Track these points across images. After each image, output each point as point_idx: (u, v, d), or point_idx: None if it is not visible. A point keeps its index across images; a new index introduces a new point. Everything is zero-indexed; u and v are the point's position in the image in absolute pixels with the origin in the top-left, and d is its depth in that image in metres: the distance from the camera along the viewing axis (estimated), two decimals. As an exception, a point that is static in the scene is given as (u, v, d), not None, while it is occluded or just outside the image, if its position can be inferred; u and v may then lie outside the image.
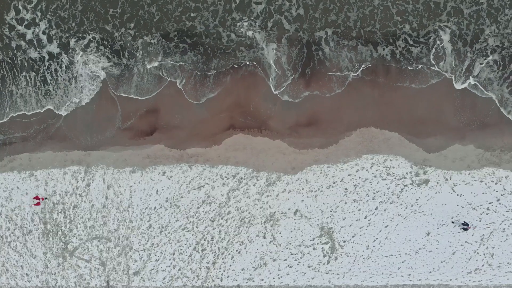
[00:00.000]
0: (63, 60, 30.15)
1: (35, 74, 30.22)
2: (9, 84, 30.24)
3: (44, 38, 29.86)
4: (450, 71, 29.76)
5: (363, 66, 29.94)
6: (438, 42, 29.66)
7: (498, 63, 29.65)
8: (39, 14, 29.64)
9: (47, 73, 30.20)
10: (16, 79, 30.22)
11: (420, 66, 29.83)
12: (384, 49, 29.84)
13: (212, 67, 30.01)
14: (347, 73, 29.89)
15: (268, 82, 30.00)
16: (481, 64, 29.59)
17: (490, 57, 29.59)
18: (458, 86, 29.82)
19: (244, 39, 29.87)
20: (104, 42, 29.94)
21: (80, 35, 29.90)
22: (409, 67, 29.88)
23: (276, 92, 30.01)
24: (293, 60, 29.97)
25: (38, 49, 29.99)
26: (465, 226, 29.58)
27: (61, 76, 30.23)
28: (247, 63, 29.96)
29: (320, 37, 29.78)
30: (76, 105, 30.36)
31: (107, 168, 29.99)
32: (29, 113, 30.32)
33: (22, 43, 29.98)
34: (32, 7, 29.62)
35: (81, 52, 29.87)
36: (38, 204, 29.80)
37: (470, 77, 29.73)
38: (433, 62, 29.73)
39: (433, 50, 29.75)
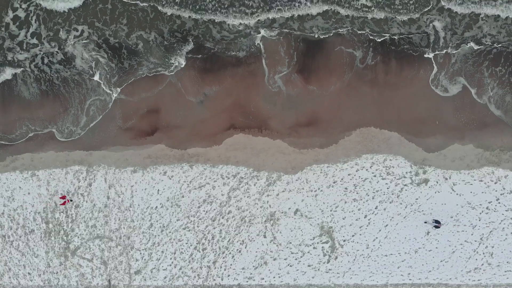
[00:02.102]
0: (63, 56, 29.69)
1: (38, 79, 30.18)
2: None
3: (34, 40, 29.51)
4: (435, 62, 29.75)
5: (371, 52, 29.70)
6: (430, 30, 29.57)
7: (486, 41, 29.54)
8: (32, 9, 29.28)
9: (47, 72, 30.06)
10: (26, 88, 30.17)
11: (418, 51, 29.78)
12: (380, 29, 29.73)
13: (210, 57, 29.89)
14: (354, 51, 29.59)
15: (264, 67, 29.96)
16: (467, 44, 29.47)
17: (478, 40, 29.49)
18: (437, 89, 29.90)
19: (238, 33, 29.84)
20: (97, 34, 29.53)
21: (69, 28, 29.45)
22: (410, 51, 29.72)
23: (269, 77, 29.87)
24: (287, 45, 29.83)
25: (26, 51, 29.54)
26: (437, 224, 29.66)
27: (67, 73, 29.87)
28: (243, 54, 29.90)
29: (311, 26, 29.73)
30: (101, 104, 30.02)
31: (108, 168, 30.14)
32: (42, 131, 30.50)
33: (16, 46, 29.71)
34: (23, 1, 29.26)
35: (73, 41, 29.34)
36: (64, 203, 29.92)
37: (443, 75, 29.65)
38: (425, 49, 29.75)
39: (425, 39, 29.72)
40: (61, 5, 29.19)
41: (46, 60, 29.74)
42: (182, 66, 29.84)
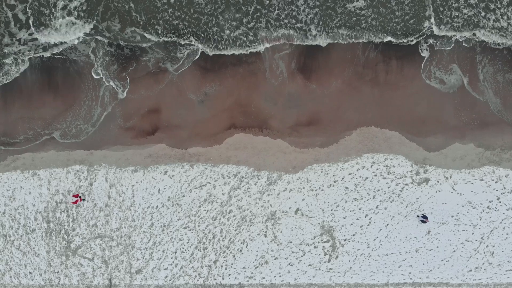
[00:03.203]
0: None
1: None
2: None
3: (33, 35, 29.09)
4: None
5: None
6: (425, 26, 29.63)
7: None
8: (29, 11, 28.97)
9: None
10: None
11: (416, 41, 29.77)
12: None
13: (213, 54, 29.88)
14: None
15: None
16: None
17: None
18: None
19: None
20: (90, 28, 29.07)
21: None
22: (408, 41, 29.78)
23: (270, 58, 29.71)
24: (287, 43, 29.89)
25: (25, 44, 28.88)
26: (424, 219, 29.67)
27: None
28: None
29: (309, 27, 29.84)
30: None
31: (109, 167, 30.17)
32: (51, 133, 30.23)
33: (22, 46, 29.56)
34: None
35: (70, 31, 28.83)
36: (75, 202, 29.93)
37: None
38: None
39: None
40: (56, 38, 28.98)
41: (48, 49, 29.14)
42: (197, 57, 29.51)
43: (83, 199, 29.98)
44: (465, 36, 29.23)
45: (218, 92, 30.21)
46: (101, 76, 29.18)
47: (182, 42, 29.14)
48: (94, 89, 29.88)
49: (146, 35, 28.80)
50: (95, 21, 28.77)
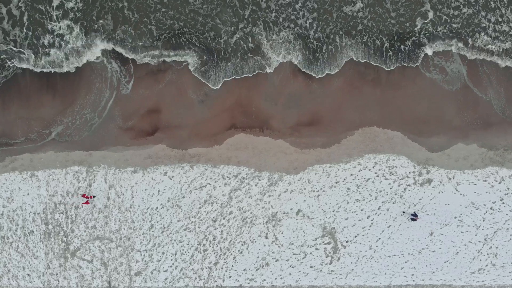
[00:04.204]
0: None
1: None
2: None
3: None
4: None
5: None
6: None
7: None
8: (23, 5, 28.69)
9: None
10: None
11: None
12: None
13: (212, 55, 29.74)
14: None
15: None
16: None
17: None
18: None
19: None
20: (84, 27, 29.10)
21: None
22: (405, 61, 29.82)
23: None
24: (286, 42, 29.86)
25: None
26: (414, 216, 29.44)
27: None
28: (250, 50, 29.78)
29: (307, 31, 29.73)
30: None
31: (108, 168, 29.95)
32: (56, 130, 30.08)
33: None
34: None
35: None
36: (87, 203, 29.69)
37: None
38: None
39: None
40: (62, 67, 29.36)
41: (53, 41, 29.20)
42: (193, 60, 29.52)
43: (94, 196, 29.72)
44: (462, 49, 29.47)
45: (219, 92, 30.02)
46: (102, 58, 29.12)
47: (181, 60, 29.26)
48: (103, 69, 29.61)
49: (146, 55, 29.32)
50: (100, 36, 29.05)
